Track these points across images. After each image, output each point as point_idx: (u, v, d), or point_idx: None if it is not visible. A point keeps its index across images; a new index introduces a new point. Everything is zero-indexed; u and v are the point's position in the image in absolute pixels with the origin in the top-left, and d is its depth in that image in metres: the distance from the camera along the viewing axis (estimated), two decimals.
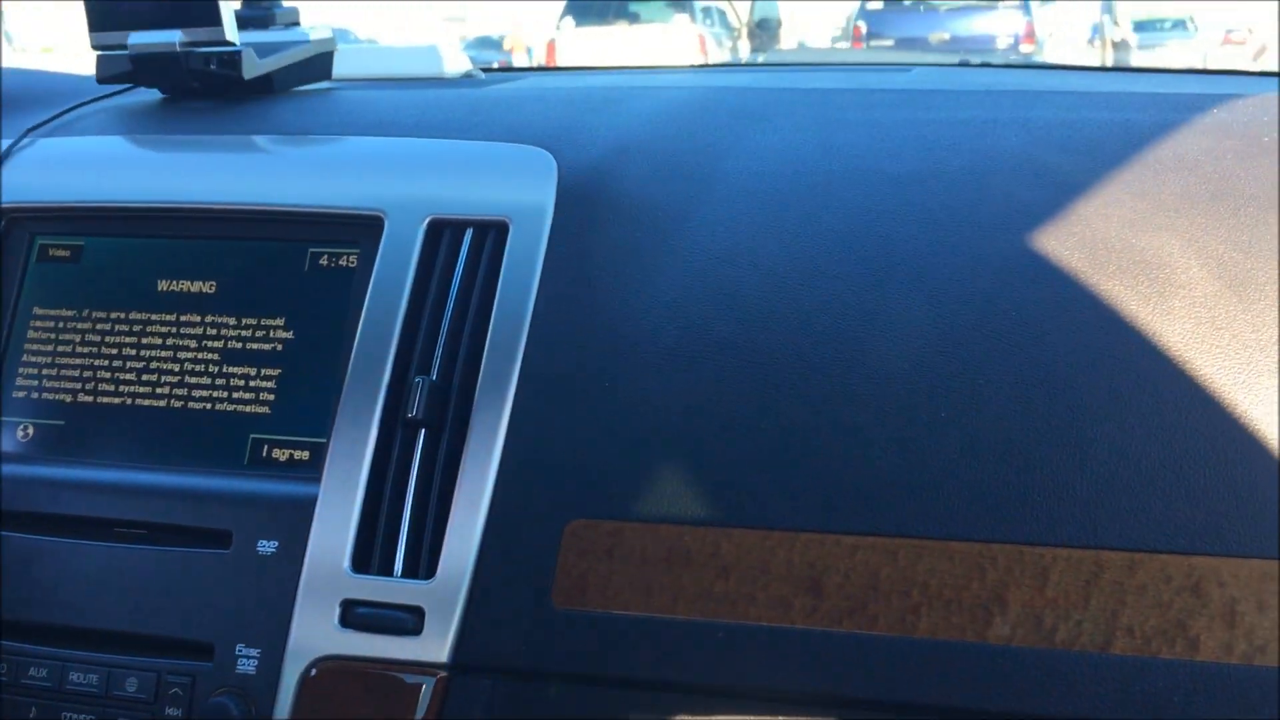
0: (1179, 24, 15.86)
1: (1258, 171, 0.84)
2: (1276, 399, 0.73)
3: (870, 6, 10.97)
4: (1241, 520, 0.71)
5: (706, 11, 11.34)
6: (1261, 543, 0.70)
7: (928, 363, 0.78)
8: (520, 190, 0.90)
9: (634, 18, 11.05)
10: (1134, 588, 0.71)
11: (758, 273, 0.83)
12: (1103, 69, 1.53)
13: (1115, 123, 0.92)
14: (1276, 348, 0.74)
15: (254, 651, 0.81)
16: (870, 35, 10.72)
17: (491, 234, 0.88)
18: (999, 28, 10.40)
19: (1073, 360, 0.76)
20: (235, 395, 0.90)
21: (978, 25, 10.40)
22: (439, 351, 0.85)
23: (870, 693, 0.73)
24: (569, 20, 10.96)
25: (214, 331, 0.92)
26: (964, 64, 1.49)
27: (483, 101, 1.07)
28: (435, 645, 0.78)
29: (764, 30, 11.07)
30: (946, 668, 0.72)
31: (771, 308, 0.81)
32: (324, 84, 1.22)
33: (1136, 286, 0.78)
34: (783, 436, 0.77)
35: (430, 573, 0.80)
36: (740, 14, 11.83)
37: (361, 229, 0.91)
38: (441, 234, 0.89)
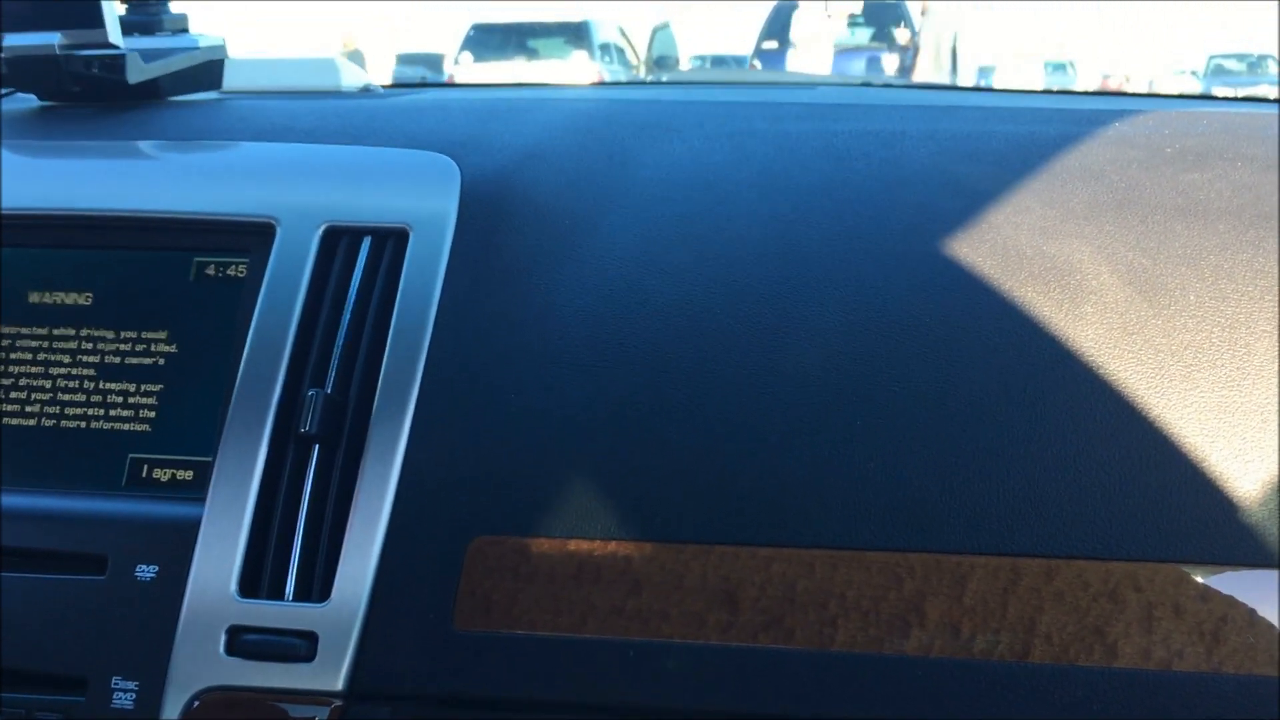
0: (1059, 67, 16.59)
1: (1162, 181, 0.85)
2: (1188, 403, 0.73)
3: (765, 46, 11.16)
4: (1156, 524, 0.70)
5: (605, 49, 11.43)
6: (1177, 546, 0.70)
7: (841, 371, 0.76)
8: (421, 197, 0.87)
9: (532, 54, 11.09)
10: (1051, 594, 0.70)
11: (668, 282, 0.81)
12: (1002, 90, 1.55)
13: (1021, 135, 0.92)
14: (1187, 352, 0.75)
15: (131, 684, 0.76)
16: None
17: (391, 242, 0.85)
18: (889, 70, 10.66)
19: (986, 367, 0.75)
20: (112, 413, 0.85)
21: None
22: (334, 363, 0.81)
23: (788, 709, 0.71)
24: (467, 55, 10.95)
25: (90, 346, 0.86)
26: (867, 85, 1.50)
27: (381, 110, 1.04)
28: (329, 672, 0.74)
29: (662, 68, 11.19)
30: (864, 681, 0.70)
31: (682, 317, 0.79)
32: (213, 94, 1.17)
33: (1048, 293, 0.78)
34: (695, 447, 0.75)
35: (324, 596, 0.75)
36: (639, 52, 11.96)
37: (251, 237, 0.86)
38: (338, 242, 0.85)
